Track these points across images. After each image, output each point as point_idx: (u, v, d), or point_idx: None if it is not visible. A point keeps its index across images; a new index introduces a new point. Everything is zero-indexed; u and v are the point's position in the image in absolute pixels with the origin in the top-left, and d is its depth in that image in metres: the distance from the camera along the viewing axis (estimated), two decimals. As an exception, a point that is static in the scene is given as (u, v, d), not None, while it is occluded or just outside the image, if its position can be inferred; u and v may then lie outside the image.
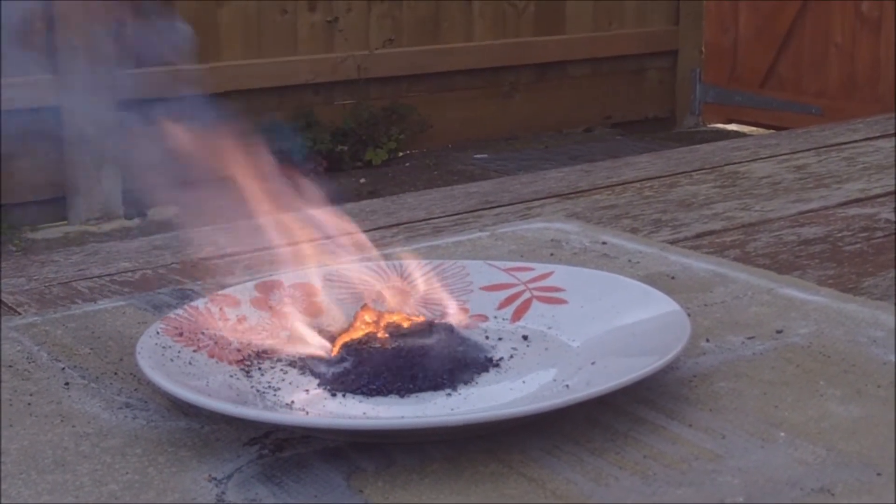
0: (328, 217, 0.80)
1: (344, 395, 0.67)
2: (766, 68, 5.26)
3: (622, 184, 1.24)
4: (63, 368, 0.73)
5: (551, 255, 0.95)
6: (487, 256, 0.93)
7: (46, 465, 0.60)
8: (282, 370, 0.70)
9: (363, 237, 0.83)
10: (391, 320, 0.71)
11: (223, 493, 0.57)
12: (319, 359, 0.70)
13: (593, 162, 1.42)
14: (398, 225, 1.09)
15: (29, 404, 0.68)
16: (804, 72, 5.14)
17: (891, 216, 1.06)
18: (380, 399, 0.66)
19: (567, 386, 0.67)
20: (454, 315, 0.75)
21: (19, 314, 0.85)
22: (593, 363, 0.69)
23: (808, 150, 1.39)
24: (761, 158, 1.35)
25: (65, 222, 3.92)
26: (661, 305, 0.73)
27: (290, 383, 0.69)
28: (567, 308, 0.77)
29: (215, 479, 0.59)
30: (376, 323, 0.71)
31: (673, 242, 1.00)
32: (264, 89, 4.37)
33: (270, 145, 0.81)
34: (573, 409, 0.62)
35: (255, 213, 0.78)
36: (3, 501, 0.57)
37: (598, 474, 0.58)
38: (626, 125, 5.27)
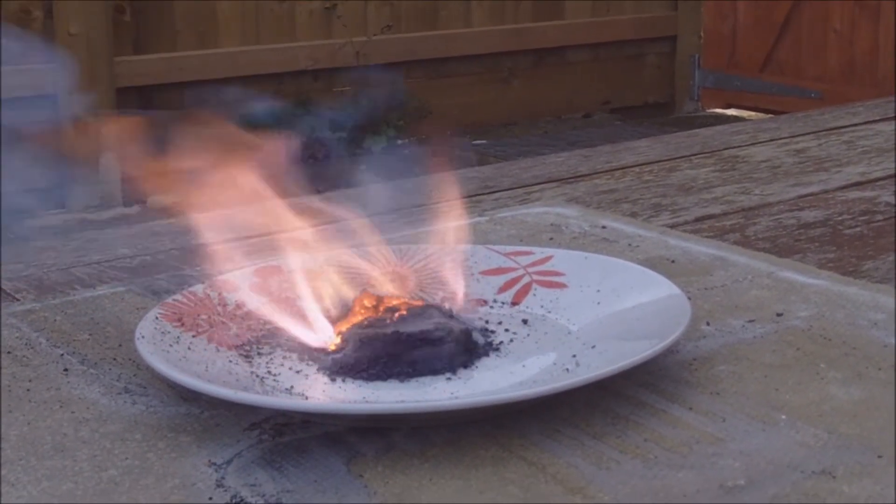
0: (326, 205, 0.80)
1: (344, 380, 0.66)
2: (765, 54, 5.25)
3: (622, 168, 1.24)
4: (62, 354, 0.73)
5: (551, 239, 0.95)
6: (487, 241, 0.93)
7: (45, 451, 0.60)
8: (281, 355, 0.70)
9: (362, 223, 0.82)
10: (390, 305, 0.71)
11: (223, 477, 0.57)
12: (319, 344, 0.70)
13: (593, 147, 1.42)
14: (397, 210, 1.09)
15: (28, 390, 0.68)
16: (803, 57, 5.13)
17: (891, 199, 1.06)
18: (380, 384, 0.66)
19: (567, 370, 0.67)
20: (454, 299, 0.75)
21: (18, 300, 0.85)
22: (593, 347, 0.69)
23: (808, 133, 1.38)
24: (761, 142, 1.35)
25: (63, 210, 3.91)
26: (661, 289, 0.73)
27: (289, 368, 0.68)
28: (567, 292, 0.77)
29: (215, 464, 0.59)
30: (376, 308, 0.71)
31: (673, 226, 0.99)
32: (263, 76, 4.37)
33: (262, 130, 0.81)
34: (573, 393, 0.62)
35: (253, 200, 0.77)
36: (2, 487, 0.57)
37: (598, 458, 0.58)
38: (625, 110, 5.27)
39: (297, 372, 0.68)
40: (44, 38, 3.90)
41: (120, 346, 0.74)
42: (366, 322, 0.70)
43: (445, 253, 0.81)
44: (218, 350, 0.69)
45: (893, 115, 1.47)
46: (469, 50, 4.86)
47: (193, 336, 0.69)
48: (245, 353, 0.70)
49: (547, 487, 0.55)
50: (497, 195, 1.14)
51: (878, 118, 1.46)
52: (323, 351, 0.69)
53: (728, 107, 5.43)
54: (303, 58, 4.48)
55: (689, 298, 0.71)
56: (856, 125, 1.42)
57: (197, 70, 4.22)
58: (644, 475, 0.56)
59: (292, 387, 0.66)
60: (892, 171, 1.17)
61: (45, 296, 0.85)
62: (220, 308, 0.73)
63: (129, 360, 0.71)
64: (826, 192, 1.10)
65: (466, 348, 0.68)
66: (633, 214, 1.04)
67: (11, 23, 3.82)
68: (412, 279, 0.78)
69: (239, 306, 0.74)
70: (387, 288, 0.76)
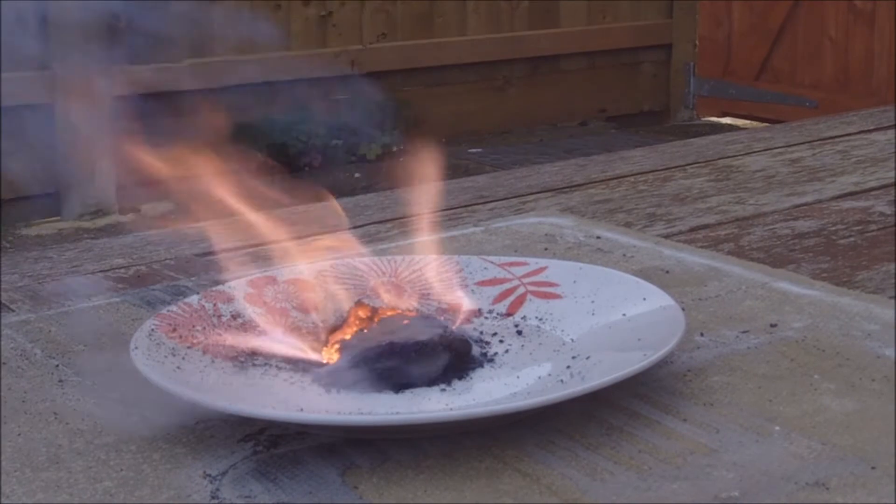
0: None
1: (338, 391, 0.66)
2: (761, 61, 5.26)
3: (616, 178, 1.24)
4: (57, 365, 0.73)
5: (545, 249, 0.95)
6: (481, 251, 0.93)
7: (41, 463, 0.60)
8: (276, 366, 0.70)
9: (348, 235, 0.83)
10: (385, 316, 0.71)
11: (218, 489, 0.57)
12: (313, 355, 0.70)
13: (588, 156, 1.42)
14: (392, 220, 1.09)
15: (23, 401, 0.68)
16: (798, 65, 5.14)
17: (885, 209, 1.06)
18: (374, 395, 0.66)
19: (562, 381, 0.67)
20: (448, 310, 0.75)
21: (13, 311, 0.85)
22: (588, 358, 0.69)
23: (803, 143, 1.39)
24: (755, 152, 1.35)
25: (58, 218, 3.91)
26: (655, 300, 0.73)
27: (284, 379, 0.68)
28: (561, 303, 0.77)
29: (210, 475, 0.59)
30: (370, 319, 0.71)
31: (667, 236, 1.00)
32: (258, 84, 4.36)
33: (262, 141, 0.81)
34: (568, 404, 0.62)
35: (246, 210, 0.78)
36: (-3, 499, 0.57)
37: (593, 469, 0.58)
38: (620, 119, 5.27)
39: (292, 383, 0.68)
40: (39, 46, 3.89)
41: (115, 357, 0.74)
42: (361, 333, 0.70)
43: (440, 263, 0.81)
44: (213, 361, 0.69)
45: (888, 124, 1.47)
46: (464, 58, 4.87)
47: (188, 347, 0.69)
48: (240, 365, 0.70)
49: (541, 499, 0.55)
50: (492, 205, 1.14)
51: (872, 128, 1.46)
52: (318, 362, 0.69)
53: (723, 115, 5.44)
54: (298, 66, 4.48)
55: (684, 309, 0.72)
56: (850, 135, 1.42)
57: (191, 79, 4.21)
58: (638, 486, 0.56)
59: (287, 398, 0.66)
60: (886, 181, 1.17)
61: (41, 306, 0.85)
62: (215, 319, 0.73)
63: (124, 371, 0.71)
64: (820, 201, 1.11)
65: (461, 359, 0.68)
66: (628, 224, 1.05)
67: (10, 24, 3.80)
68: (407, 290, 0.78)
69: (234, 317, 0.74)
70: (382, 298, 0.76)
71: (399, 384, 0.66)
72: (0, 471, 0.59)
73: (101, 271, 0.95)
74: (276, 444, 0.62)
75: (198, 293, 0.77)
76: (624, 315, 0.73)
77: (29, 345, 0.77)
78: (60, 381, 0.71)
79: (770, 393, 0.66)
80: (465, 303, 0.77)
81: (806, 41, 5.10)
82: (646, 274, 0.84)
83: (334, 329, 0.72)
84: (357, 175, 4.27)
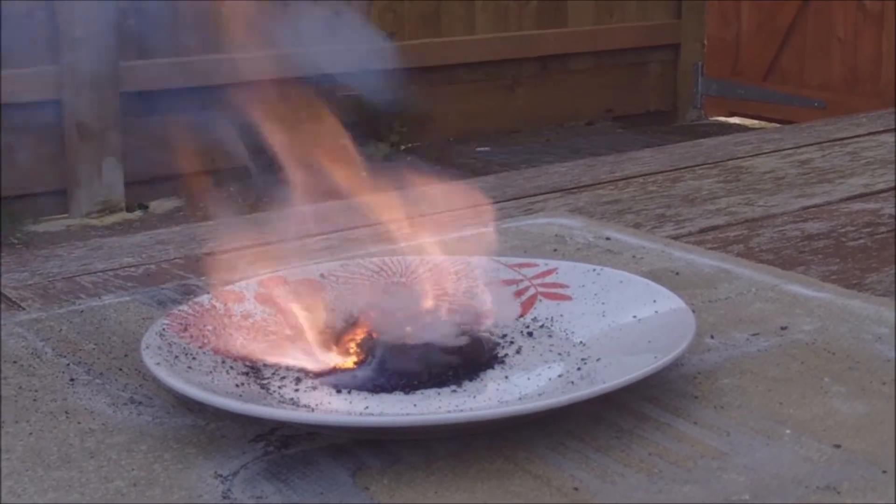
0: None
1: (349, 392, 0.67)
2: (769, 61, 5.25)
3: (625, 179, 1.24)
4: (68, 364, 0.73)
5: (555, 250, 0.95)
6: (491, 252, 0.93)
7: (52, 462, 0.60)
8: (286, 367, 0.70)
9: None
10: (395, 317, 0.71)
11: (229, 489, 0.57)
12: (324, 355, 0.70)
13: (595, 156, 1.42)
14: (401, 220, 1.09)
15: (34, 400, 0.68)
16: (806, 65, 5.14)
17: (894, 211, 1.06)
18: (385, 396, 0.66)
19: (572, 383, 0.67)
20: (458, 311, 0.75)
21: (23, 309, 0.85)
22: (598, 360, 0.69)
23: (812, 144, 1.38)
24: (765, 153, 1.35)
25: (66, 215, 3.91)
26: (665, 302, 0.73)
27: (294, 380, 0.69)
28: (571, 304, 0.77)
29: (221, 475, 0.59)
30: (381, 320, 0.71)
31: (676, 238, 1.00)
32: (266, 81, 4.36)
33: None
34: (578, 407, 0.62)
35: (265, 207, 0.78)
36: (9, 498, 0.57)
37: (603, 471, 0.58)
38: (627, 118, 5.27)
39: (303, 383, 0.68)
40: (47, 40, 3.90)
41: (126, 356, 0.74)
42: (371, 334, 0.70)
43: (450, 264, 0.81)
44: (224, 361, 0.69)
45: (897, 126, 1.47)
46: (472, 57, 4.87)
47: (199, 347, 0.70)
48: (251, 364, 0.70)
49: (551, 500, 0.56)
50: (501, 205, 1.14)
51: (881, 129, 1.46)
52: (328, 363, 0.69)
53: (731, 115, 5.43)
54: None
55: (694, 311, 0.72)
56: (859, 136, 1.42)
57: (199, 75, 4.22)
58: (648, 489, 0.56)
59: (298, 398, 0.66)
60: (895, 183, 1.17)
61: (51, 305, 0.86)
62: (226, 319, 0.74)
63: (135, 370, 0.72)
64: (830, 203, 1.11)
65: (471, 361, 0.69)
66: (637, 225, 1.05)
67: (13, 25, 3.81)
68: (417, 290, 0.78)
69: (245, 317, 0.74)
70: (392, 300, 0.76)
71: (410, 385, 0.66)
72: (5, 470, 0.60)
73: (111, 270, 0.95)
74: (287, 445, 0.62)
75: (208, 293, 0.77)
76: (634, 317, 0.73)
77: (40, 343, 0.77)
78: (72, 379, 0.71)
79: (780, 396, 0.66)
80: (476, 304, 0.77)
81: (814, 41, 5.10)
82: (656, 275, 0.84)
83: (345, 330, 0.72)
84: (364, 174, 4.27)
